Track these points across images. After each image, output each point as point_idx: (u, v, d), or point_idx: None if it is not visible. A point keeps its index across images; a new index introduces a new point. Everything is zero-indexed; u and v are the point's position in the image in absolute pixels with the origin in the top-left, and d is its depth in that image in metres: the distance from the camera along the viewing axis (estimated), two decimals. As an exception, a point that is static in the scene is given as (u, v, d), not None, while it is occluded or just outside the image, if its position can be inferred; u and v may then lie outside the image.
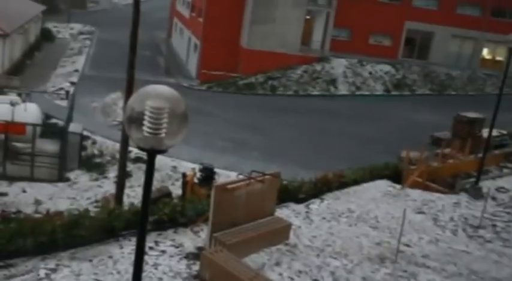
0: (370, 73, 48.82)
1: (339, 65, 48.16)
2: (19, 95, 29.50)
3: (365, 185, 18.58)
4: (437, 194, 18.64)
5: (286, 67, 46.13)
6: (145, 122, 4.86)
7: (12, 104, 25.92)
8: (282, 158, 28.02)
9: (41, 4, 56.66)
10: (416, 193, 18.35)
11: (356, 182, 18.49)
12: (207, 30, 46.65)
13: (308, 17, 48.28)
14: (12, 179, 24.35)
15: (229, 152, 29.52)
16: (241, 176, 12.54)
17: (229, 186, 12.16)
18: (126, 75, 17.53)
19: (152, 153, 5.05)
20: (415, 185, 19.10)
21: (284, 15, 45.76)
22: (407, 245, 14.05)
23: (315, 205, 16.29)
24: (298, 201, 16.31)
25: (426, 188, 19.16)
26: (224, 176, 22.46)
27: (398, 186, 18.94)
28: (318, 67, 47.37)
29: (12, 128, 25.00)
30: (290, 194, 16.15)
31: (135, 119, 4.93)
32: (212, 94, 43.37)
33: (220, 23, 46.09)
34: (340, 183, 17.97)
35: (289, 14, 45.83)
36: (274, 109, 40.27)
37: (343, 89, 46.73)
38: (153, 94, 4.93)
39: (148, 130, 4.86)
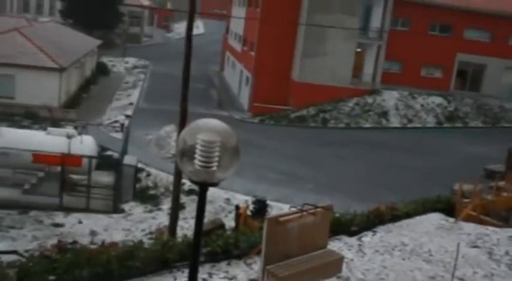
0: (422, 105, 48.34)
1: (390, 98, 47.88)
2: (75, 127, 30.32)
3: (418, 218, 18.25)
4: (492, 228, 18.13)
5: (338, 100, 46.10)
6: (197, 156, 4.94)
7: (69, 136, 26.64)
8: (334, 191, 27.83)
9: (97, 39, 58.46)
10: (470, 227, 17.91)
11: (409, 215, 18.18)
12: (258, 63, 47.15)
13: (359, 50, 48.30)
14: (68, 210, 24.90)
15: (281, 185, 29.50)
16: (293, 209, 12.50)
17: (282, 218, 12.13)
18: (180, 108, 17.83)
19: (204, 186, 5.13)
20: (468, 219, 18.64)
21: (335, 48, 45.93)
22: (462, 280, 13.68)
23: (368, 237, 16.06)
24: (351, 234, 16.11)
25: (480, 222, 18.67)
26: (277, 208, 22.41)
27: (451, 219, 18.52)
28: (370, 100, 47.20)
29: (69, 160, 25.64)
30: (342, 226, 15.98)
31: (187, 152, 5.02)
32: (264, 127, 43.59)
33: (272, 56, 46.56)
34: (393, 216, 17.69)
35: (340, 47, 45.97)
36: (326, 142, 40.17)
37: (394, 122, 46.35)
38: (204, 128, 5.01)
39: (200, 163, 4.93)
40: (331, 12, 45.39)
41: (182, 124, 17.10)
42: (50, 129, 27.99)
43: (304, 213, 12.41)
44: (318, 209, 12.72)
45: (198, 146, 4.92)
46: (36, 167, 26.09)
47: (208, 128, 5.01)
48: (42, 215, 24.28)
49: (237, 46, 57.62)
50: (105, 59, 60.94)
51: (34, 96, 39.18)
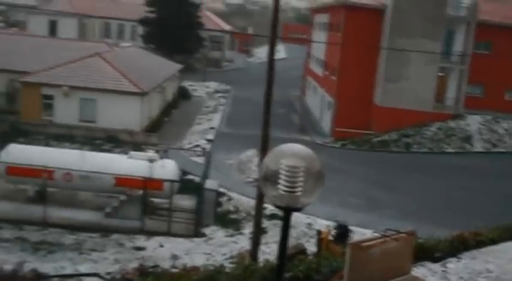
0: (506, 130, 46.99)
1: (473, 122, 46.86)
2: (157, 151, 31.15)
3: (503, 244, 17.70)
4: None
5: (420, 124, 45.44)
6: (280, 181, 5.06)
7: (150, 160, 27.45)
8: (416, 216, 27.33)
9: (178, 63, 60.04)
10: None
11: (493, 241, 17.65)
12: (340, 88, 47.18)
13: (441, 74, 47.56)
14: (150, 233, 25.54)
15: (363, 210, 29.24)
16: (376, 234, 12.43)
17: (364, 244, 12.07)
18: (261, 132, 18.08)
19: (288, 211, 5.24)
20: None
21: (417, 72, 45.44)
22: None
23: (452, 264, 15.73)
24: (435, 260, 15.82)
25: None
26: (359, 233, 22.24)
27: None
28: (452, 124, 46.33)
29: (150, 184, 26.36)
30: (426, 252, 15.70)
31: (270, 177, 5.14)
32: (346, 151, 43.39)
33: (354, 80, 46.52)
34: (477, 242, 17.24)
35: (422, 72, 45.45)
36: (408, 166, 39.59)
37: (478, 146, 45.25)
38: (288, 153, 5.13)
39: (284, 188, 5.05)
40: (412, 36, 44.99)
41: (264, 149, 17.32)
42: (131, 153, 28.91)
43: (387, 238, 12.32)
44: (401, 235, 12.59)
45: (282, 171, 5.04)
46: (118, 190, 26.99)
47: (292, 153, 5.13)
48: (124, 238, 25.02)
49: (318, 71, 57.84)
50: (186, 84, 62.41)
51: (115, 120, 40.60)
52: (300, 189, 5.03)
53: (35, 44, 52.74)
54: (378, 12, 46.32)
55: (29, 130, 40.08)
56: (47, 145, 35.46)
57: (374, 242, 12.31)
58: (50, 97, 42.02)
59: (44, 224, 25.35)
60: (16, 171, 27.09)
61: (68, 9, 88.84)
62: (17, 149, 28.09)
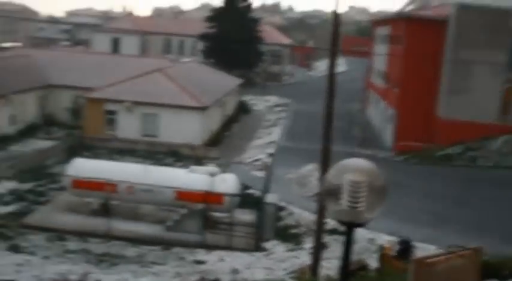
0: None
1: (542, 135, 45.24)
2: (217, 165, 31.41)
3: None
4: None
5: (486, 137, 44.24)
6: (343, 195, 5.04)
7: (211, 174, 27.70)
8: (482, 232, 26.58)
9: (238, 78, 60.57)
10: None
11: None
12: (402, 100, 46.52)
13: (508, 86, 46.28)
14: (210, 247, 25.71)
15: (427, 225, 28.65)
16: (440, 250, 12.18)
17: (429, 260, 11.85)
18: (322, 146, 18.02)
19: (350, 226, 5.22)
20: None
21: (482, 83, 44.34)
22: None
23: (519, 283, 15.23)
24: (502, 278, 15.36)
25: None
26: (422, 249, 21.81)
27: None
28: (520, 137, 44.83)
29: (211, 198, 26.58)
30: (492, 270, 15.27)
31: (332, 192, 5.13)
32: (409, 165, 42.70)
33: (416, 93, 45.77)
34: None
35: (487, 83, 44.34)
36: (473, 181, 38.57)
37: (547, 160, 43.61)
38: (351, 167, 5.12)
39: (346, 203, 5.04)
40: (477, 47, 44.01)
41: (325, 163, 17.25)
42: (192, 167, 29.25)
43: (452, 255, 12.06)
44: (467, 251, 12.31)
45: (345, 186, 5.03)
46: (179, 204, 27.31)
47: (354, 167, 5.12)
48: (185, 251, 25.27)
49: (380, 83, 57.29)
50: (246, 98, 62.84)
51: (177, 134, 41.25)
52: (362, 204, 5.00)
53: (98, 61, 54.26)
54: (440, 24, 45.54)
55: (93, 144, 41.14)
56: (111, 158, 36.27)
57: (438, 258, 12.07)
58: (113, 112, 43.06)
59: (108, 236, 25.90)
60: (81, 184, 27.82)
61: (130, 27, 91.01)
62: (81, 163, 28.85)
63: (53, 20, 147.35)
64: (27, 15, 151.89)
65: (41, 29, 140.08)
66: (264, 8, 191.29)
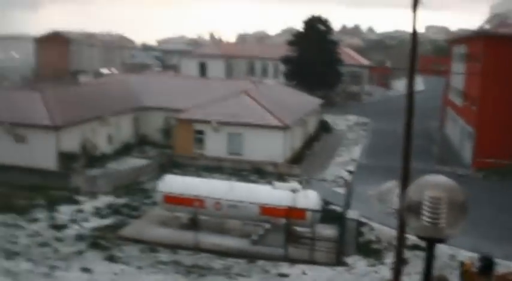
0: None
1: None
2: (300, 182, 31.34)
3: None
4: None
5: None
6: (424, 212, 4.90)
7: (294, 191, 27.64)
8: None
9: (319, 98, 60.41)
10: None
11: None
12: (481, 117, 45.03)
13: None
14: (293, 261, 25.58)
15: (508, 242, 27.46)
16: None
17: (511, 277, 11.33)
18: (401, 164, 17.63)
19: (431, 242, 5.06)
20: None
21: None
22: None
23: None
24: None
25: None
26: (504, 266, 20.92)
27: None
28: None
29: (294, 213, 26.49)
30: None
31: (413, 208, 5.01)
32: (489, 182, 41.18)
33: (495, 109, 44.18)
34: None
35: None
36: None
37: None
38: (431, 184, 4.98)
39: (427, 219, 4.89)
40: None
41: (404, 180, 16.85)
42: (276, 183, 29.29)
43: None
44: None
45: (426, 202, 4.89)
46: (264, 219, 27.39)
47: (435, 184, 4.98)
48: (269, 265, 25.24)
49: (458, 101, 55.73)
50: (327, 117, 62.58)
51: (261, 152, 41.50)
52: (443, 220, 4.85)
53: (187, 84, 55.46)
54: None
55: (183, 162, 41.95)
56: (199, 175, 36.87)
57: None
58: (201, 132, 43.84)
59: (196, 249, 26.24)
60: (172, 199, 28.40)
61: (216, 52, 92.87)
62: (172, 180, 29.47)
63: (146, 48, 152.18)
64: (123, 44, 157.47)
65: (134, 56, 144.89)
66: (344, 30, 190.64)
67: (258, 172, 40.41)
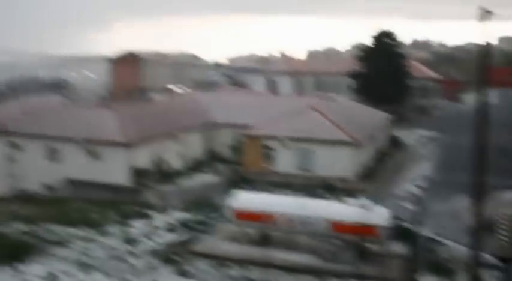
0: None
1: None
2: (370, 198, 30.90)
3: None
4: None
5: None
6: (500, 230, 4.80)
7: (364, 207, 27.31)
8: None
9: (388, 113, 59.58)
10: None
11: None
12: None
13: None
14: (364, 278, 25.22)
15: None
16: None
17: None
18: (475, 179, 17.20)
19: (508, 261, 4.93)
20: None
21: None
22: None
23: None
24: None
25: None
26: None
27: None
28: None
29: (364, 230, 26.17)
30: None
31: (488, 226, 4.92)
32: None
33: None
34: None
35: None
36: None
37: None
38: (507, 201, 4.87)
39: (503, 238, 4.79)
40: None
41: (479, 196, 16.43)
42: (346, 199, 29.04)
43: None
44: None
45: (502, 220, 4.79)
46: (334, 235, 27.16)
47: (511, 201, 4.86)
48: (339, 282, 24.96)
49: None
50: (397, 132, 61.59)
51: (330, 168, 41.29)
52: (520, 239, 4.73)
53: (256, 101, 55.92)
54: None
55: (253, 178, 42.20)
56: (269, 191, 36.97)
57: None
58: (270, 148, 44.04)
59: (266, 265, 26.27)
60: (242, 215, 28.61)
61: (284, 68, 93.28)
62: (243, 196, 29.71)
63: (217, 66, 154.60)
64: (195, 62, 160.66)
65: (205, 74, 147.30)
66: (415, 44, 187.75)
67: (328, 188, 40.12)
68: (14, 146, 44.49)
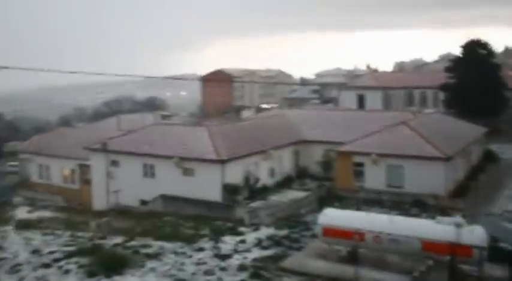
0: None
1: None
2: (464, 216, 29.67)
3: None
4: None
5: None
6: None
7: (458, 225, 26.14)
8: None
9: (482, 126, 57.29)
10: None
11: None
12: None
13: None
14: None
15: None
16: None
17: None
18: None
19: None
20: None
21: None
22: None
23: None
24: None
25: None
26: None
27: None
28: None
29: (458, 250, 25.04)
30: None
31: None
32: None
33: None
34: None
35: None
36: None
37: None
38: None
39: None
40: None
41: None
42: (438, 218, 27.96)
43: None
44: None
45: None
46: (425, 255, 26.15)
47: None
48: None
49: None
50: (492, 146, 59.08)
51: (421, 185, 40.03)
52: None
53: (345, 117, 55.43)
54: None
55: (342, 195, 41.64)
56: (358, 208, 36.33)
57: None
58: (360, 164, 43.34)
59: (356, 283, 25.66)
60: (331, 232, 28.17)
61: (373, 83, 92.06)
62: (332, 213, 29.30)
63: (304, 82, 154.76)
64: (283, 79, 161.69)
65: (293, 90, 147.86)
66: (508, 52, 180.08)
67: (419, 205, 38.93)
68: (113, 163, 46.15)
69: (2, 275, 27.48)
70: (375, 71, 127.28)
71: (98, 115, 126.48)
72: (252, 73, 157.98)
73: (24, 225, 39.49)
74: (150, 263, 29.07)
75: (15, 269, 29.13)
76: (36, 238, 35.76)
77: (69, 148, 58.19)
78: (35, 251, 32.28)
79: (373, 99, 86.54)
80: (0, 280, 27.48)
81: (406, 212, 36.35)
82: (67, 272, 28.23)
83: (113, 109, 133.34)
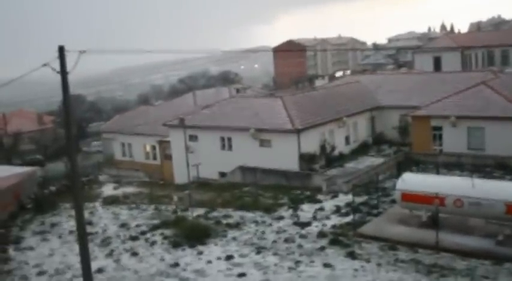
0: None
1: None
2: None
3: None
4: None
5: None
6: None
7: (544, 187, 25.27)
8: None
9: None
10: None
11: None
12: None
13: None
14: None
15: None
16: None
17: None
18: None
19: None
20: None
21: None
22: None
23: None
24: None
25: None
26: None
27: None
28: None
29: (545, 211, 24.25)
30: None
31: None
32: None
33: None
34: None
35: None
36: None
37: None
38: None
39: None
40: None
41: None
42: (523, 179, 27.11)
43: None
44: None
45: None
46: (510, 218, 25.43)
47: None
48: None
49: None
50: None
51: (504, 147, 38.68)
52: None
53: (421, 81, 54.13)
54: None
55: (420, 159, 40.90)
56: (437, 172, 35.64)
57: None
58: (438, 128, 42.37)
59: (436, 248, 25.33)
60: (410, 197, 27.84)
61: (450, 44, 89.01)
62: (410, 178, 28.90)
63: (377, 48, 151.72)
64: (355, 46, 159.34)
65: (366, 56, 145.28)
66: None
67: (503, 168, 37.71)
68: (191, 137, 47.16)
69: (95, 248, 28.89)
70: (451, 32, 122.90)
71: (174, 92, 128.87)
72: (323, 42, 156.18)
73: (110, 201, 41.17)
74: (232, 233, 29.78)
75: (105, 242, 30.59)
76: (123, 212, 37.28)
77: (149, 125, 59.91)
78: (123, 225, 33.73)
79: (450, 61, 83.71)
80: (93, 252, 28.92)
81: (488, 175, 35.35)
82: (153, 243, 29.39)
83: (188, 85, 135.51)
